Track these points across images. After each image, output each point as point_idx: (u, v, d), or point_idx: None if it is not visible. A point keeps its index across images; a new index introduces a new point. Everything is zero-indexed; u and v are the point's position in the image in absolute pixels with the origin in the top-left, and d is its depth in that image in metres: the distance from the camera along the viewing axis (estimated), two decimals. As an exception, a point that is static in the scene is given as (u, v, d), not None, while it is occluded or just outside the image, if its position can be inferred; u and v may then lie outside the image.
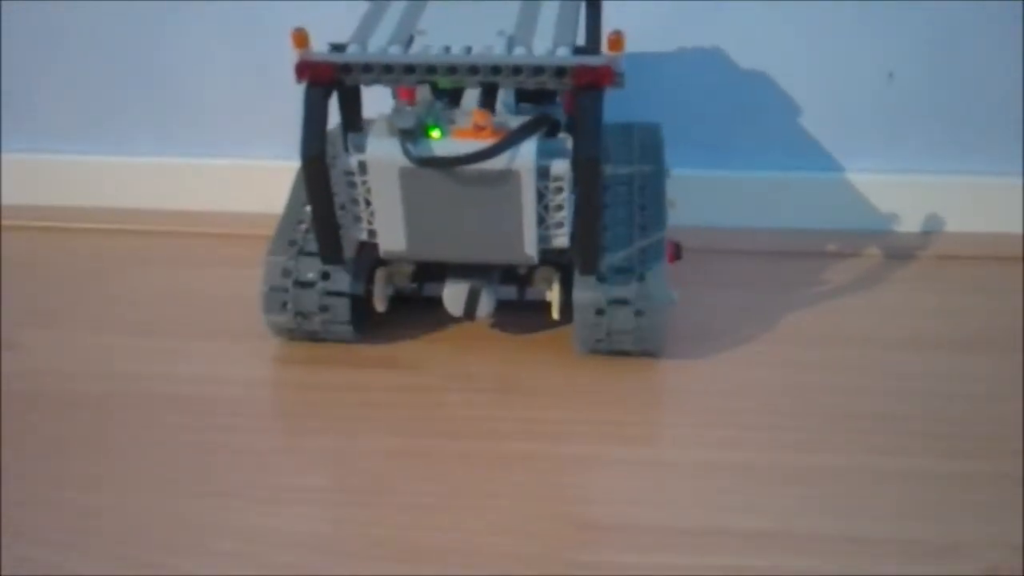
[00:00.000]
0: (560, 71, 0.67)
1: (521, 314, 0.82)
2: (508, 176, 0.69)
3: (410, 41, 0.71)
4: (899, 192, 0.94)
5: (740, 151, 0.95)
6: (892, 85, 0.90)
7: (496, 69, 0.68)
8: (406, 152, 0.69)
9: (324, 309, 0.79)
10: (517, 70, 0.68)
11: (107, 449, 0.73)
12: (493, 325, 0.84)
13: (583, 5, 0.79)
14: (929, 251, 0.93)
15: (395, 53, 0.69)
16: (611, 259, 0.77)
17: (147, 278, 0.92)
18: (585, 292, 0.76)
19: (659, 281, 0.76)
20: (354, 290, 0.78)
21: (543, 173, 0.70)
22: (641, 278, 0.76)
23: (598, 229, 0.73)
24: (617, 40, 0.67)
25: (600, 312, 0.76)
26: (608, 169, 0.84)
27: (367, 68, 0.69)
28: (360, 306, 0.80)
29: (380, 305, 0.80)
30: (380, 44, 0.70)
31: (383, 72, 0.69)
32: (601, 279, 0.75)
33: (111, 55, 0.97)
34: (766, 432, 0.73)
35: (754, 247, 0.94)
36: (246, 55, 0.95)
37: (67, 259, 0.95)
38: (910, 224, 0.95)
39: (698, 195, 0.92)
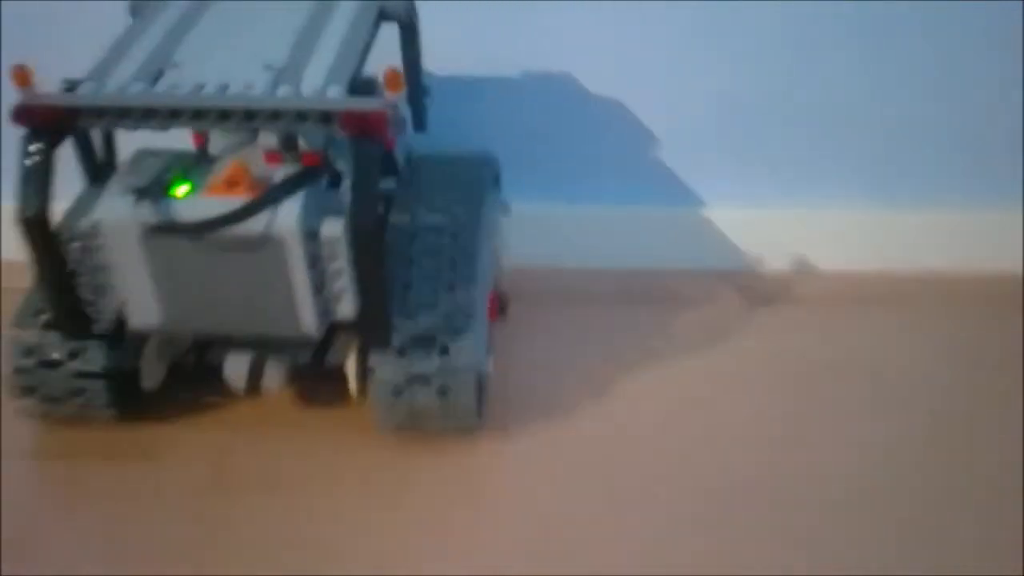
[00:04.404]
0: (326, 116, 0.56)
1: (321, 383, 0.71)
2: (269, 242, 0.58)
3: (159, 76, 0.59)
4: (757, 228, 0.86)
5: (587, 184, 0.85)
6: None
7: (250, 114, 0.56)
8: (139, 216, 0.57)
9: (78, 393, 0.67)
10: (276, 115, 0.56)
11: None
12: (288, 399, 0.73)
13: (377, 25, 0.66)
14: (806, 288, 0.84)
15: (135, 92, 0.57)
16: (412, 327, 0.66)
17: None
18: (381, 367, 0.65)
19: (468, 350, 0.65)
20: (116, 365, 0.67)
21: (312, 236, 0.59)
22: (445, 349, 0.65)
23: (384, 300, 0.62)
24: (395, 78, 0.56)
25: (398, 392, 0.66)
26: (419, 217, 0.72)
27: (100, 112, 0.57)
28: (125, 383, 0.69)
29: (149, 381, 0.68)
30: (121, 80, 0.58)
31: (118, 117, 0.57)
32: (400, 352, 0.65)
33: None
34: (582, 530, 0.64)
35: (601, 290, 0.84)
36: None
37: None
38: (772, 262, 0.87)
39: (536, 232, 0.82)
